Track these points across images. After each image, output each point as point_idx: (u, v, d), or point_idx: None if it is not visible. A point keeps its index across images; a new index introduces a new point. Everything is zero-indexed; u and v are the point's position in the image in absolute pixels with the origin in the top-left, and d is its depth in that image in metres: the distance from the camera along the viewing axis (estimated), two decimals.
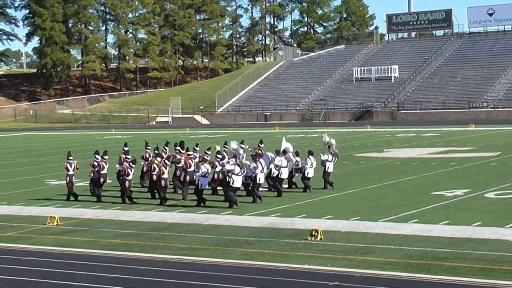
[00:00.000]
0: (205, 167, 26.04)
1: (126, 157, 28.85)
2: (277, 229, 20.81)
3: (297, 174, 28.94)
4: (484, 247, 17.51)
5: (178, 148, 30.23)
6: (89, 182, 29.34)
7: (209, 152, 28.47)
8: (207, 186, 26.06)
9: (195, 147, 30.80)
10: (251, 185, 26.38)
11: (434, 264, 16.06)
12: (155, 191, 27.64)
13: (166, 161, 27.65)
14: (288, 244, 18.64)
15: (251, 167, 26.06)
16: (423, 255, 16.91)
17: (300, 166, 28.77)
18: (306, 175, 27.96)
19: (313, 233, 19.09)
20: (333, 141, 29.50)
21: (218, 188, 27.91)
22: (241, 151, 26.80)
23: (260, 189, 26.47)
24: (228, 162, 26.27)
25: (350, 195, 26.92)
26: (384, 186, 28.98)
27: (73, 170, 28.34)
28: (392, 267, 15.90)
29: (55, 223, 22.91)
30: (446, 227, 19.98)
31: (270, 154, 28.30)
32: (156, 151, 30.44)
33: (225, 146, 30.58)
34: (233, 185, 25.17)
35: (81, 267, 17.05)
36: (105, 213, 24.94)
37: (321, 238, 18.89)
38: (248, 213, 23.59)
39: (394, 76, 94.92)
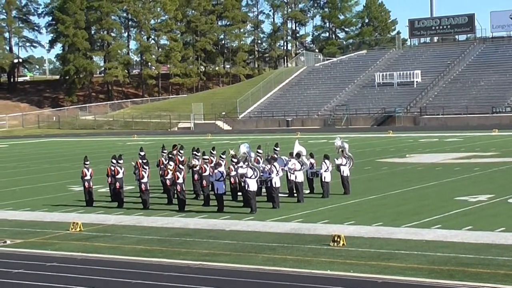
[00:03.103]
0: (219, 171, 26.10)
1: (142, 162, 28.98)
2: (300, 234, 20.80)
3: (314, 178, 28.92)
4: (508, 253, 17.39)
5: (195, 152, 30.31)
6: (108, 188, 29.58)
7: (224, 156, 28.54)
8: (224, 191, 26.07)
9: (212, 151, 30.87)
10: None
11: (458, 270, 15.97)
12: (174, 196, 27.70)
13: (181, 166, 27.69)
14: (311, 250, 18.62)
15: (265, 170, 26.12)
16: (447, 261, 16.83)
17: (315, 168, 28.76)
18: (323, 179, 27.92)
19: (336, 238, 19.06)
20: (345, 145, 29.41)
21: (238, 193, 27.94)
22: (252, 154, 26.81)
23: (280, 195, 26.45)
24: (241, 166, 26.32)
25: (373, 201, 26.83)
26: (406, 192, 28.87)
27: (90, 176, 28.54)
28: (415, 273, 15.84)
29: (78, 229, 23.04)
30: (469, 233, 19.87)
31: (284, 158, 28.37)
32: (170, 156, 30.50)
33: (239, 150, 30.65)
34: (249, 189, 25.21)
35: (104, 273, 17.13)
36: (128, 219, 25.05)
37: (343, 244, 18.86)
38: (270, 219, 23.60)
39: (417, 81, 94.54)
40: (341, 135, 36.04)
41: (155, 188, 31.00)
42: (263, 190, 27.62)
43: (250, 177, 25.26)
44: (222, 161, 27.51)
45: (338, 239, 18.98)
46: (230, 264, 17.45)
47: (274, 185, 25.90)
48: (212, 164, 28.18)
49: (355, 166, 30.99)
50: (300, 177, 27.35)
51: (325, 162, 28.03)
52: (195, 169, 29.21)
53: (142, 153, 31.28)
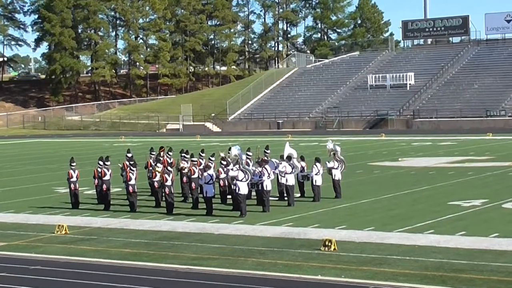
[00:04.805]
0: (208, 174, 26.06)
1: (130, 163, 28.91)
2: (290, 239, 20.79)
3: (304, 181, 28.89)
4: (502, 258, 17.43)
5: (184, 154, 30.24)
6: (95, 190, 29.51)
7: (213, 159, 28.50)
8: (213, 194, 26.04)
9: (201, 153, 30.81)
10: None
11: (450, 276, 15.99)
12: (163, 199, 27.62)
13: (169, 168, 27.63)
14: (301, 255, 18.61)
15: (256, 172, 26.09)
16: (439, 266, 16.85)
17: (306, 171, 28.76)
18: (314, 183, 27.90)
19: (327, 243, 19.05)
20: (337, 148, 29.38)
21: (228, 196, 27.89)
22: (243, 156, 26.79)
23: (270, 198, 26.43)
24: (232, 169, 26.27)
25: (365, 205, 26.85)
26: (399, 196, 28.90)
27: (76, 177, 28.47)
28: (407, 279, 15.85)
29: (63, 232, 22.96)
30: (462, 238, 19.90)
31: (275, 160, 28.33)
32: (157, 157, 30.45)
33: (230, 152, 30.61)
34: (239, 192, 25.18)
35: (89, 277, 17.07)
36: (114, 222, 24.99)
37: (334, 249, 18.86)
38: (260, 223, 23.58)
39: (410, 84, 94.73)
40: (332, 138, 36.03)
41: (143, 190, 30.93)
42: (253, 193, 27.58)
43: (241, 180, 25.23)
44: (211, 163, 27.47)
45: (329, 244, 18.98)
46: (219, 269, 17.41)
47: (265, 188, 25.88)
48: (201, 167, 28.12)
49: (347, 169, 31.00)
50: (291, 180, 27.32)
51: (316, 165, 28.02)
52: (183, 171, 29.16)
53: (130, 155, 31.22)
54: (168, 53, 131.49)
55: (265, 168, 26.15)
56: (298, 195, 28.67)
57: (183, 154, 30.34)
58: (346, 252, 18.61)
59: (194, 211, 26.60)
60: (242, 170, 25.56)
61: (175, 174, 28.68)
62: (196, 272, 17.19)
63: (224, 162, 27.49)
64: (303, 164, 29.01)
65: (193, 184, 27.80)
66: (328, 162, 28.94)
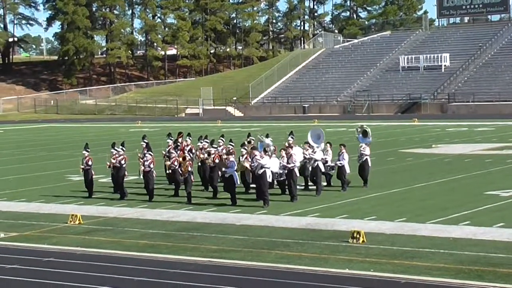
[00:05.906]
0: (231, 161, 26.02)
1: (147, 150, 28.96)
2: (316, 230, 20.83)
3: (332, 171, 28.83)
4: None
5: (205, 140, 30.19)
6: (111, 178, 29.64)
7: (233, 144, 28.59)
8: (238, 182, 26.02)
9: (221, 138, 30.89)
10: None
11: (488, 270, 15.95)
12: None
13: (190, 154, 27.59)
14: (328, 247, 18.65)
15: (281, 160, 26.13)
16: (476, 260, 16.81)
17: (332, 160, 28.68)
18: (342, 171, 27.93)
19: (355, 235, 19.07)
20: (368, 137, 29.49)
21: (251, 185, 27.94)
22: (271, 147, 26.94)
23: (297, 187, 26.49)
24: (256, 156, 26.27)
25: (396, 195, 26.82)
26: (432, 185, 28.83)
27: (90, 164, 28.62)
28: (441, 273, 15.83)
29: (77, 222, 23.14)
30: (501, 230, 19.84)
31: (301, 147, 28.35)
32: (176, 143, 30.51)
33: (252, 139, 30.69)
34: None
35: (105, 269, 17.20)
36: (131, 212, 25.13)
37: (363, 241, 18.88)
38: (284, 213, 23.63)
39: (445, 65, 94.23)
40: (362, 123, 35.95)
41: (161, 178, 31.06)
42: (276, 182, 27.56)
43: (267, 168, 25.26)
44: (232, 149, 27.61)
45: (358, 236, 19.00)
46: (241, 261, 17.49)
47: (291, 177, 25.81)
48: (223, 153, 28.11)
49: (377, 157, 30.97)
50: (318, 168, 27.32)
51: (343, 153, 28.00)
52: (206, 161, 29.03)
53: (146, 141, 31.29)
54: (187, 33, 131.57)
55: (291, 155, 26.15)
56: (325, 184, 28.68)
57: (205, 140, 30.32)
58: (375, 245, 18.62)
59: (215, 200, 26.68)
60: (266, 158, 25.59)
61: (196, 163, 28.71)
62: (217, 265, 17.27)
63: (257, 153, 27.49)
64: (330, 151, 28.95)
65: (217, 172, 27.76)
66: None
